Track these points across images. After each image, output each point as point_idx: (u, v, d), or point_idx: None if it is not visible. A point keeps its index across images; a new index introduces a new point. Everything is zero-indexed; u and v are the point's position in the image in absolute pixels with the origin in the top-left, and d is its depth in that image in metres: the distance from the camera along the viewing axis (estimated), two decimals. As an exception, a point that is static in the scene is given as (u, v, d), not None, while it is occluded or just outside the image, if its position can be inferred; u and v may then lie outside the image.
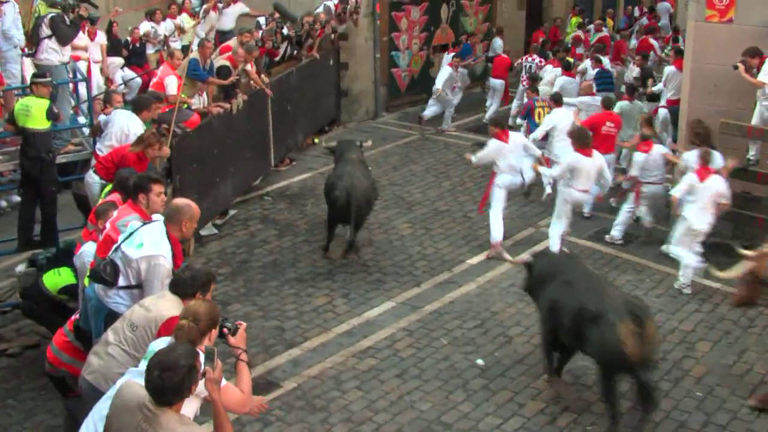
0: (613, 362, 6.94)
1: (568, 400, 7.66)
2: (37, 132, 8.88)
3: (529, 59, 17.04)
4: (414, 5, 17.95)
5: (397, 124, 17.12)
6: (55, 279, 7.83)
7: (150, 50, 15.12)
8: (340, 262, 10.63)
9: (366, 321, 9.24)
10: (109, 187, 7.83)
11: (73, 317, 6.75)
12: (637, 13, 24.44)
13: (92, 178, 8.83)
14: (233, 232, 11.58)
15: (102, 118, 9.65)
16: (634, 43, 19.77)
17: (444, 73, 16.23)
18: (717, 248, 10.10)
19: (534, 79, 15.15)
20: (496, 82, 17.33)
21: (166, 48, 14.32)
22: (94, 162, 9.05)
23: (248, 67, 12.24)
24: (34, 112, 8.85)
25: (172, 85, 10.61)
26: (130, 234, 6.14)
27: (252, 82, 12.54)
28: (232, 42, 12.48)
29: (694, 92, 11.60)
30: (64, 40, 10.47)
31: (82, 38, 12.02)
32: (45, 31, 10.30)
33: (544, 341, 7.81)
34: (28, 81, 9.50)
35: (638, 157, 10.99)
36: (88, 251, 6.87)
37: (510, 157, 10.74)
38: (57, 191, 9.42)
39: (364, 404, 7.68)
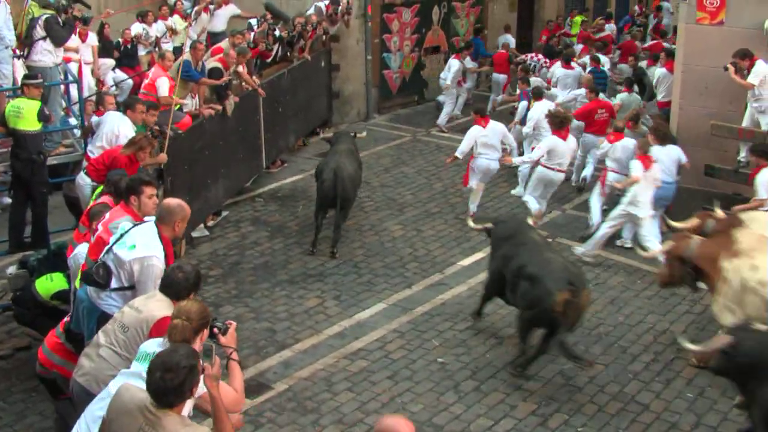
0: (539, 320, 7.91)
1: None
2: (28, 133, 8.84)
3: (534, 58, 17.09)
4: (405, 7, 17.94)
5: (389, 125, 17.10)
6: (48, 285, 7.77)
7: (141, 52, 15.07)
8: (331, 263, 10.64)
9: (357, 323, 9.25)
10: (99, 189, 7.82)
11: (64, 319, 6.72)
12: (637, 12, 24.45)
13: (83, 180, 8.81)
14: (224, 234, 11.57)
15: (94, 119, 9.65)
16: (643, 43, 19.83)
17: (453, 67, 16.51)
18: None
19: (527, 71, 15.22)
20: (499, 77, 17.49)
21: (157, 49, 14.27)
22: (85, 164, 9.03)
23: (240, 68, 12.24)
24: (26, 114, 8.81)
25: (164, 86, 10.62)
26: (122, 236, 6.12)
27: (244, 83, 12.54)
28: (224, 44, 12.48)
29: (685, 94, 11.68)
30: (58, 41, 10.45)
31: (73, 39, 11.96)
32: (39, 32, 10.27)
33: (487, 288, 8.94)
34: (20, 82, 9.47)
35: (605, 145, 11.53)
36: (82, 253, 6.83)
37: (486, 141, 11.62)
38: (48, 193, 9.37)
39: (355, 406, 7.69)
